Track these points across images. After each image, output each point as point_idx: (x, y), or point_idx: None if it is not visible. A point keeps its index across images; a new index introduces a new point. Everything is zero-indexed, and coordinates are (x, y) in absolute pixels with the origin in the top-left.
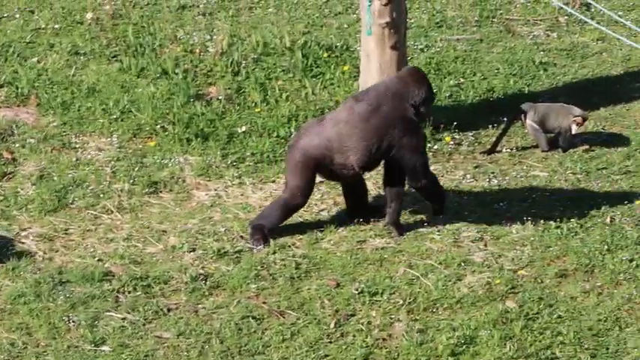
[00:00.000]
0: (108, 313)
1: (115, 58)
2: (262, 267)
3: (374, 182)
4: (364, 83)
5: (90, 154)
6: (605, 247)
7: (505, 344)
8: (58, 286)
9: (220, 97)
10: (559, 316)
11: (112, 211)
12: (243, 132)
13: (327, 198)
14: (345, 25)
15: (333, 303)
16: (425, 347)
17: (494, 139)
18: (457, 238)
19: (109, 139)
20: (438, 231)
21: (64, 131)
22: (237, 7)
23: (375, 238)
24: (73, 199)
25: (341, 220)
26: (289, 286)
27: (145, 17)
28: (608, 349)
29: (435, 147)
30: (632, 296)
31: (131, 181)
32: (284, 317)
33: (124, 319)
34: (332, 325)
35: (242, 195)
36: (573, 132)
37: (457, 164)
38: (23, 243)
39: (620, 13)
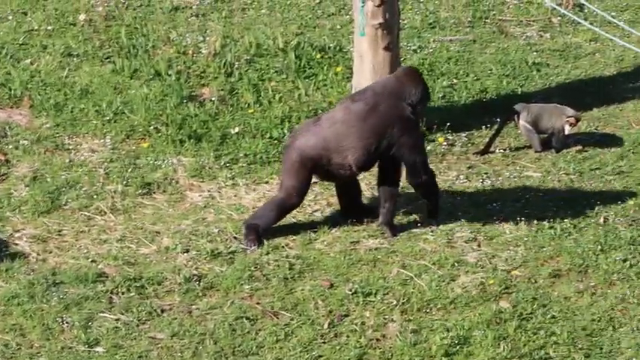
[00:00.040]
0: (102, 314)
1: (107, 60)
2: (256, 268)
3: (367, 183)
4: (357, 84)
5: (83, 155)
6: (599, 247)
7: (499, 344)
8: (52, 287)
9: (213, 99)
10: (553, 316)
11: (106, 213)
12: (237, 133)
13: (320, 199)
14: (338, 26)
15: (327, 303)
16: (419, 347)
17: (487, 139)
18: (451, 238)
19: (102, 140)
20: (432, 231)
21: (57, 133)
22: (230, 9)
23: (369, 239)
24: (67, 201)
25: (334, 220)
26: (283, 286)
27: (137, 19)
28: (601, 349)
29: (429, 148)
30: (626, 296)
31: (124, 182)
32: (278, 318)
33: (117, 320)
34: (326, 326)
35: (235, 196)
36: (566, 132)
37: (450, 165)
38: (17, 244)
39: (612, 13)
